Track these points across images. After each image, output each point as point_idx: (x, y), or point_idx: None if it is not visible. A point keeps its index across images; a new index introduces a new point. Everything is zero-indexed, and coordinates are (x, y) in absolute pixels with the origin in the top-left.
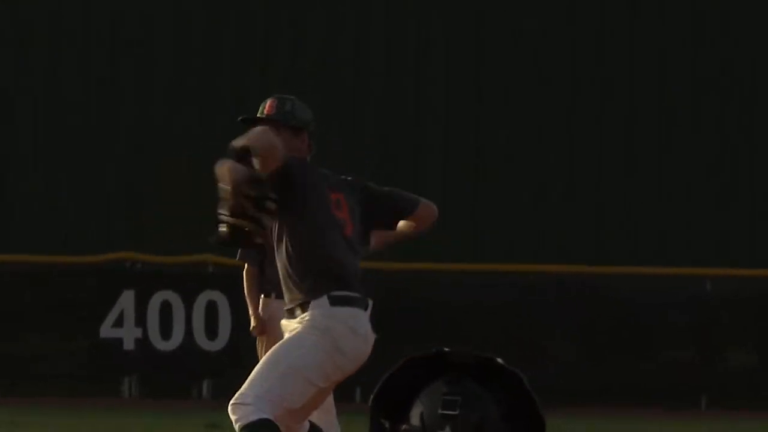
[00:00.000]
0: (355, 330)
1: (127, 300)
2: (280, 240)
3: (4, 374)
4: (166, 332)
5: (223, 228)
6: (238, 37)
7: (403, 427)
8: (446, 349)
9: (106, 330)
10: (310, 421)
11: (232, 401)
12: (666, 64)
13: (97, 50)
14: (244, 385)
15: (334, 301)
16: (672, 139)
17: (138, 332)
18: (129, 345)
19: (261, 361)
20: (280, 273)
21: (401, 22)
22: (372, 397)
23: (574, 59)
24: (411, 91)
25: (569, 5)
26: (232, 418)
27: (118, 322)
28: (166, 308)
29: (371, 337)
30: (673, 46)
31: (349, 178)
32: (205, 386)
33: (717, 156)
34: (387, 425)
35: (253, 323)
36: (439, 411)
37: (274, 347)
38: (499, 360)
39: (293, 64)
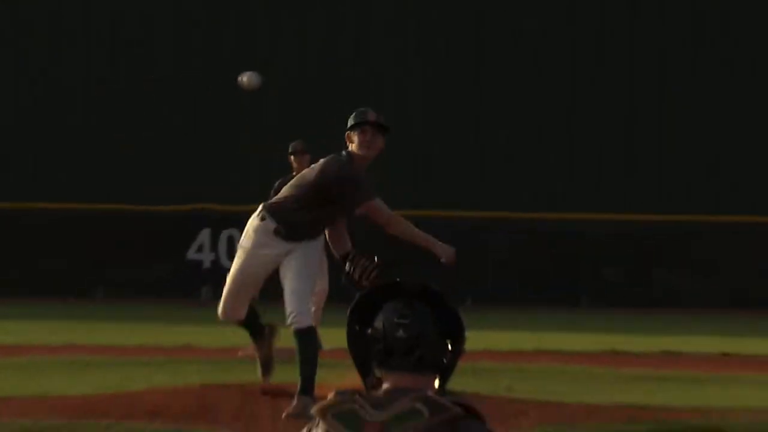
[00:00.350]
0: None
1: (205, 235)
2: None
3: (124, 286)
4: (231, 256)
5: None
6: (238, 37)
7: (369, 330)
8: (399, 280)
9: (192, 254)
10: None
11: (293, 307)
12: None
13: None
14: (297, 297)
15: None
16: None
17: (212, 256)
18: (206, 265)
19: (301, 276)
20: (314, 222)
21: (402, 21)
22: (348, 310)
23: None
24: (415, 91)
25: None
26: (296, 319)
27: (200, 249)
28: (231, 240)
29: None
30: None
31: None
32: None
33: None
34: (358, 328)
35: None
36: (395, 320)
37: (305, 265)
38: (436, 287)
39: (292, 64)
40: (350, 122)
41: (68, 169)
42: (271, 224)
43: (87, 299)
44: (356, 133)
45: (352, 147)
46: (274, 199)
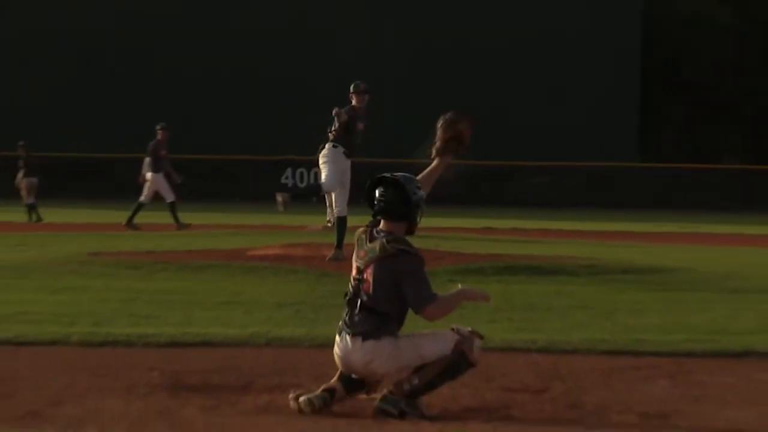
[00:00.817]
0: None
1: (288, 171)
2: None
3: (251, 195)
4: (302, 179)
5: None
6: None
7: (373, 195)
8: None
9: (282, 180)
10: None
11: (340, 205)
12: None
13: None
14: (342, 199)
15: None
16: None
17: (292, 182)
18: (290, 185)
19: (345, 188)
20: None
21: None
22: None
23: None
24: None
25: None
26: (339, 211)
27: (286, 178)
28: (301, 174)
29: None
30: None
31: None
32: (315, 198)
33: None
34: (369, 197)
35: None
36: (378, 196)
37: (347, 182)
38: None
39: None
40: (352, 89)
41: (226, 130)
42: (342, 149)
43: (229, 204)
44: (354, 95)
45: (353, 102)
46: (337, 136)
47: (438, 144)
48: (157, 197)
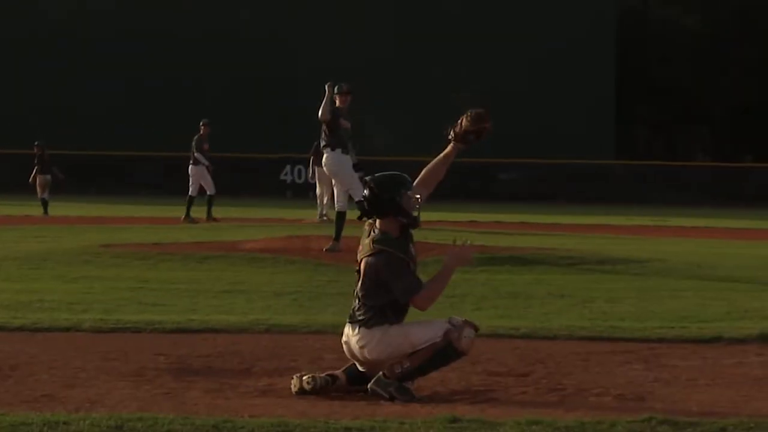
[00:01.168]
0: None
1: (288, 168)
2: None
3: (258, 189)
4: (300, 178)
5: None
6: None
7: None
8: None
9: (281, 176)
10: None
11: (340, 200)
12: None
13: None
14: (342, 194)
15: None
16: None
17: (290, 178)
18: (288, 181)
19: (344, 184)
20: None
21: None
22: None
23: None
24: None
25: None
26: (340, 206)
27: (285, 174)
28: (299, 171)
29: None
30: None
31: None
32: (311, 193)
33: None
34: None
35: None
36: (362, 198)
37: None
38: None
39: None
40: (336, 90)
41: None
42: (339, 149)
43: (236, 197)
44: (338, 96)
45: (337, 102)
46: (329, 140)
47: (458, 130)
48: (201, 190)
